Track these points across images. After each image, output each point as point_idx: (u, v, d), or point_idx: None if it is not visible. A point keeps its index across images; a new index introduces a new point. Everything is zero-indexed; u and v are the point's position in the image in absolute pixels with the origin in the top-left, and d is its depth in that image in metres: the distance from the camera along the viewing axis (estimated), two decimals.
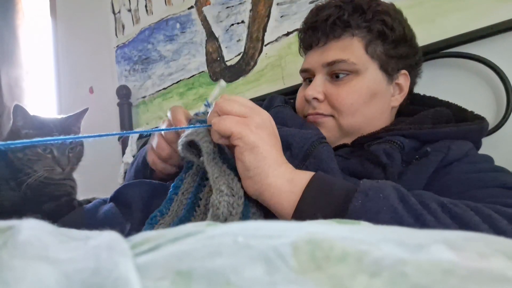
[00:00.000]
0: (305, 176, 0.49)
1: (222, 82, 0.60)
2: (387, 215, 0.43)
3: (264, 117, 0.50)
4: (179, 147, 0.52)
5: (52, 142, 0.64)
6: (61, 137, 0.31)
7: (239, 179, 0.50)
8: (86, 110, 0.75)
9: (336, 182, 0.48)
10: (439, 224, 0.42)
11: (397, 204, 0.43)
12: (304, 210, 0.46)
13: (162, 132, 0.61)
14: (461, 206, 0.44)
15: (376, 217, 0.42)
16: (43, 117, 0.70)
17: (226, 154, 0.54)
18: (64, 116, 0.73)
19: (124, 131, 1.57)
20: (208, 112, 0.54)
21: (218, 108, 0.49)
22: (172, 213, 0.54)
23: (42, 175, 0.65)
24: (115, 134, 0.38)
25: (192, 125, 0.53)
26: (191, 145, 0.53)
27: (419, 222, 0.42)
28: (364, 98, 0.68)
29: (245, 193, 0.50)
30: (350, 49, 0.68)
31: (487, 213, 0.43)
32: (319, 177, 0.49)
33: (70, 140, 0.67)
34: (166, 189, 0.64)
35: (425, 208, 0.43)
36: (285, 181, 0.48)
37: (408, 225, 0.42)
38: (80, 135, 0.75)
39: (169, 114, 0.59)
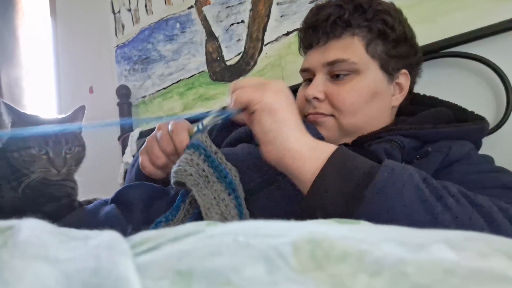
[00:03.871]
0: (329, 146, 0.48)
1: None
2: (411, 191, 0.42)
3: (280, 85, 0.50)
4: (172, 182, 0.53)
5: (43, 134, 0.62)
6: (58, 127, 0.31)
7: (235, 203, 0.50)
8: (83, 108, 0.73)
9: (362, 157, 0.48)
10: (460, 207, 0.42)
11: (421, 183, 0.43)
12: (327, 177, 0.45)
13: (158, 136, 0.59)
14: (480, 196, 0.45)
15: (401, 191, 0.42)
16: (38, 116, 0.69)
17: (225, 168, 0.54)
18: (62, 116, 0.72)
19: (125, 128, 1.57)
20: (205, 128, 0.54)
21: (234, 87, 0.50)
22: (177, 221, 0.54)
23: (38, 176, 0.64)
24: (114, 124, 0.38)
25: (211, 115, 0.53)
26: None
27: (441, 202, 0.42)
28: (365, 98, 0.68)
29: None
30: (351, 48, 0.68)
31: (504, 206, 0.44)
32: (343, 149, 0.48)
33: (64, 130, 0.65)
34: (167, 192, 0.64)
35: (446, 191, 0.43)
36: (308, 147, 0.47)
37: (430, 204, 0.42)
38: (82, 135, 0.74)
39: (170, 126, 0.57)
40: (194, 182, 0.51)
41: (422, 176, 0.45)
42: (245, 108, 0.49)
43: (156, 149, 0.59)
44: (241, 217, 0.50)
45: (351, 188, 0.43)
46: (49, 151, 0.64)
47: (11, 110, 0.66)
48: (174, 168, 0.52)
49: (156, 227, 0.53)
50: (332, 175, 0.45)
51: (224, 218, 0.48)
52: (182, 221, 0.54)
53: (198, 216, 0.54)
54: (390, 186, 0.42)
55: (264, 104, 0.47)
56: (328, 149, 0.47)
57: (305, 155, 0.46)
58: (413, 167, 0.46)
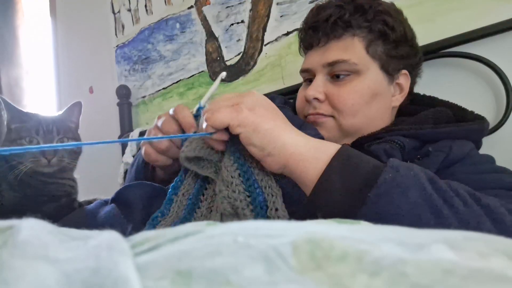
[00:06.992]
0: (331, 146, 0.47)
1: (223, 74, 0.59)
2: (416, 193, 0.41)
3: (255, 97, 0.48)
4: (181, 159, 0.53)
5: (46, 148, 0.63)
6: (59, 144, 0.31)
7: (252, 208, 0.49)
8: (79, 104, 0.74)
9: (365, 156, 0.47)
10: (468, 209, 0.41)
11: (427, 184, 0.42)
12: (331, 178, 0.44)
13: (159, 124, 0.59)
14: (488, 196, 0.44)
15: (405, 193, 0.41)
16: (30, 112, 0.70)
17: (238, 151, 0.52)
18: (59, 113, 0.73)
19: (122, 137, 1.56)
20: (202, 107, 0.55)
21: (207, 112, 0.48)
22: (172, 214, 0.54)
23: (27, 166, 0.63)
24: (111, 142, 0.38)
25: (190, 134, 0.53)
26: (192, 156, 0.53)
27: (448, 204, 0.41)
28: (365, 99, 0.68)
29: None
30: (351, 49, 0.68)
31: (511, 207, 0.43)
32: (347, 149, 0.47)
33: (60, 147, 0.66)
34: (166, 191, 0.64)
35: (453, 192, 0.42)
36: (308, 148, 0.46)
37: (436, 206, 0.41)
38: (79, 131, 0.75)
39: (171, 110, 0.58)
40: (217, 158, 0.51)
41: (428, 176, 0.44)
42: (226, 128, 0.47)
43: (157, 133, 0.60)
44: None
45: (355, 189, 0.43)
46: (40, 140, 0.65)
47: (8, 106, 0.67)
48: (199, 150, 0.51)
49: (153, 222, 0.53)
50: (335, 177, 0.44)
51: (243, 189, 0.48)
52: (177, 214, 0.54)
53: (191, 208, 0.54)
54: (394, 187, 0.41)
55: (245, 125, 0.45)
56: (330, 149, 0.46)
57: (307, 156, 0.46)
58: (418, 166, 0.45)
